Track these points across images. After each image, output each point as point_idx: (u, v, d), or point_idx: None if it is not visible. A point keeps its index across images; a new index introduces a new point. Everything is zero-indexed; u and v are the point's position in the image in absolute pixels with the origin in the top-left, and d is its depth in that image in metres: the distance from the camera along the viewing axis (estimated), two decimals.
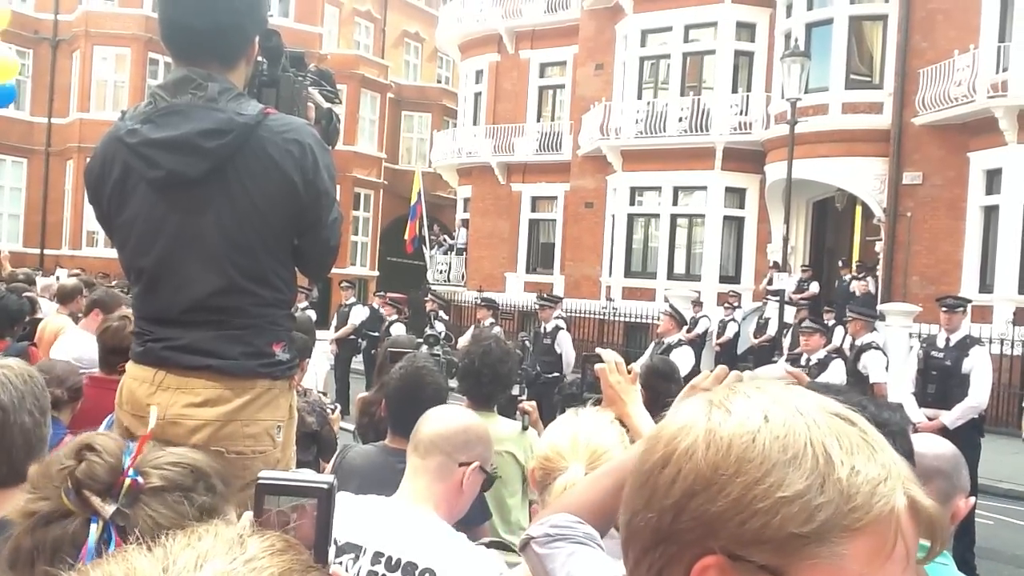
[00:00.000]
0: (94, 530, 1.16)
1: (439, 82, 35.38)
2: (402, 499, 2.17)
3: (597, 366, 2.17)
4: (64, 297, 6.55)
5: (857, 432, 0.78)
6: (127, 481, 1.21)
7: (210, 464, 1.40)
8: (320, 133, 2.42)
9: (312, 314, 12.16)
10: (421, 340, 3.94)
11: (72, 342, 5.05)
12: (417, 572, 1.99)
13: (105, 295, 5.44)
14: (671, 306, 10.68)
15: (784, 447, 0.74)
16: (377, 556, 2.02)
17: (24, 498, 1.22)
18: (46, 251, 28.19)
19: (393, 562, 2.01)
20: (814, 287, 17.48)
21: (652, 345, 10.78)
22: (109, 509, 1.19)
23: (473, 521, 2.96)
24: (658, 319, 11.94)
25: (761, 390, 0.81)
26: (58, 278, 12.94)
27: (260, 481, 0.94)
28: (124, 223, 2.25)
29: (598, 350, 2.28)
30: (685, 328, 11.24)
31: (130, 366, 2.29)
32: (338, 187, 2.37)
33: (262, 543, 0.66)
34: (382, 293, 15.82)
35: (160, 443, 1.37)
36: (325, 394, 6.97)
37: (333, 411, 4.87)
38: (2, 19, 8.18)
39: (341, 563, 2.03)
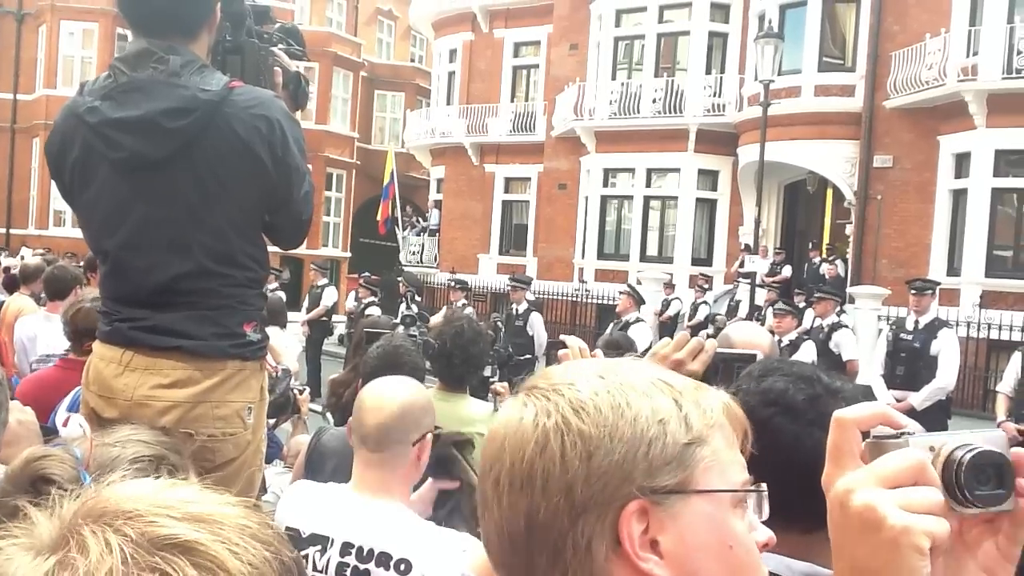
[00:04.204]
0: None
1: (413, 61, 35.06)
2: (361, 489, 2.10)
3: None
4: (27, 277, 6.44)
5: (656, 366, 0.93)
6: None
7: (158, 439, 1.35)
8: (288, 98, 2.34)
9: (282, 295, 12.06)
10: (398, 321, 3.90)
11: (36, 324, 4.97)
12: (392, 563, 1.96)
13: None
14: (629, 286, 11.48)
15: (633, 387, 0.83)
16: (347, 547, 1.98)
17: None
18: (12, 230, 27.70)
19: (365, 552, 1.97)
20: (786, 271, 17.59)
21: (612, 324, 10.99)
22: None
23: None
24: None
25: (572, 366, 0.90)
26: (23, 258, 12.68)
27: None
28: (87, 202, 2.19)
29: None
30: (643, 306, 11.56)
31: (97, 345, 2.23)
32: (309, 166, 2.30)
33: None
34: (368, 275, 15.67)
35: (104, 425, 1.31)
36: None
37: (301, 392, 4.82)
38: None
39: (307, 555, 1.99)
